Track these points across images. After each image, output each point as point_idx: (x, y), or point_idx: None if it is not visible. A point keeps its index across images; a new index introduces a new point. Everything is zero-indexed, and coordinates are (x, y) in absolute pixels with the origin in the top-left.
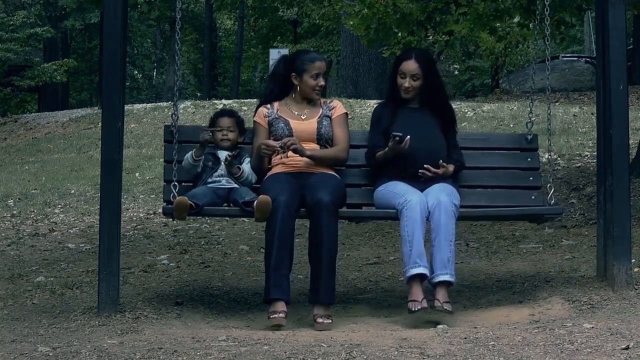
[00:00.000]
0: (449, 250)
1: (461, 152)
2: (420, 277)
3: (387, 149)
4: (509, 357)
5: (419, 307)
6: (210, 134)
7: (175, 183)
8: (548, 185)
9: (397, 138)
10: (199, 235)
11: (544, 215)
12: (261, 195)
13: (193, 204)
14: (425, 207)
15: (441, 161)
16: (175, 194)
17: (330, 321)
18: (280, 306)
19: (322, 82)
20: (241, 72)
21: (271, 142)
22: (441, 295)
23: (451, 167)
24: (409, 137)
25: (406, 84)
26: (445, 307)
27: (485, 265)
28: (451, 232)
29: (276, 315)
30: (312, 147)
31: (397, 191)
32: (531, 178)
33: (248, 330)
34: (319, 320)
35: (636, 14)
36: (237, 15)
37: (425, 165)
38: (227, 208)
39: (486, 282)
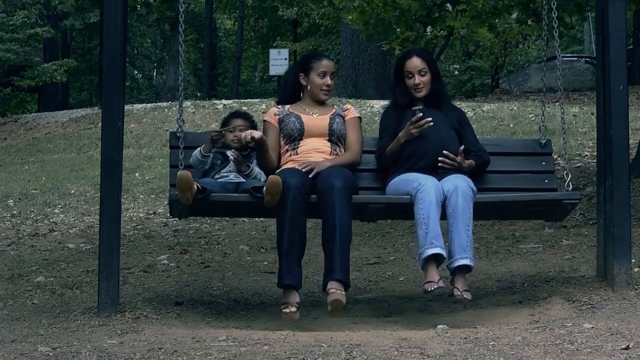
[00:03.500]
0: (467, 235)
1: (482, 146)
2: (436, 258)
3: (400, 133)
4: (509, 357)
5: (435, 286)
6: (222, 134)
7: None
8: (565, 172)
9: (420, 114)
10: (199, 235)
11: (562, 201)
12: (271, 176)
13: (200, 187)
14: (441, 191)
15: (462, 149)
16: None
17: (344, 293)
18: (293, 296)
19: (329, 81)
20: (241, 72)
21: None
22: (460, 283)
23: (469, 162)
24: (430, 119)
25: (416, 81)
26: (465, 296)
27: (485, 265)
28: (469, 217)
29: (287, 310)
30: (323, 143)
31: (410, 178)
32: (546, 181)
33: (248, 330)
34: (332, 290)
35: (635, 8)
36: (237, 15)
37: (444, 152)
38: (235, 194)
39: (486, 282)
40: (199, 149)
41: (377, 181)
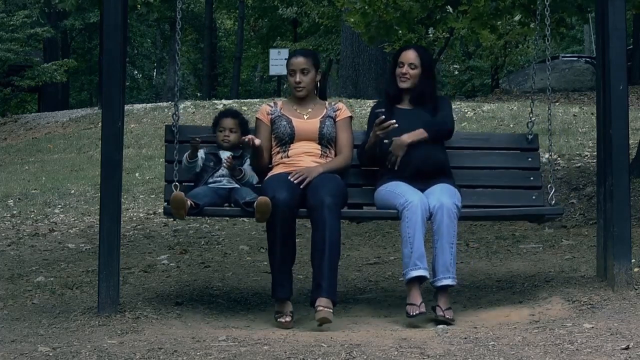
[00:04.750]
0: (450, 253)
1: (445, 119)
2: (420, 279)
3: (370, 134)
4: (509, 357)
5: (417, 312)
6: (198, 139)
7: (177, 183)
8: (549, 185)
9: (382, 116)
10: (199, 235)
11: (545, 215)
12: (260, 197)
13: (193, 203)
14: (427, 208)
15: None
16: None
17: (331, 310)
18: (287, 307)
19: (298, 79)
20: (241, 72)
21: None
22: (443, 301)
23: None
24: (394, 121)
25: (403, 71)
26: (447, 316)
27: (485, 265)
28: (453, 235)
29: (283, 320)
30: (313, 146)
31: (398, 191)
32: (532, 178)
33: (248, 330)
34: (320, 308)
35: (635, 13)
36: (237, 15)
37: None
38: (227, 208)
39: (486, 282)
40: (185, 155)
41: (367, 178)
